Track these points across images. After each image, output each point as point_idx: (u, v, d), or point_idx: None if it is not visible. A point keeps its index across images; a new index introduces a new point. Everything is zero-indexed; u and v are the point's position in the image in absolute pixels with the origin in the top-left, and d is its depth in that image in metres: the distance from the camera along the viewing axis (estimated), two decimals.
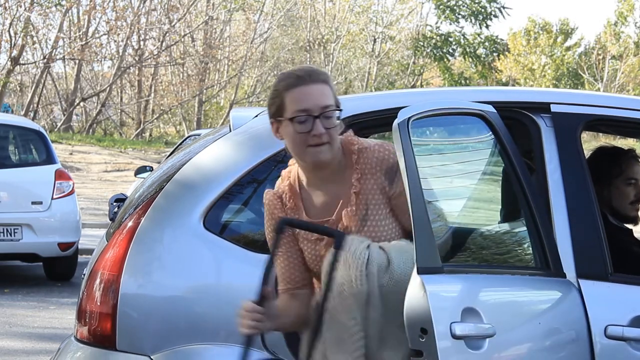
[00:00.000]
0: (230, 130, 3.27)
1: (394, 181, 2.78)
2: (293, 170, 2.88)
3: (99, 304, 3.03)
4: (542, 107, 3.27)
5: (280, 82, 2.81)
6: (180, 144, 12.65)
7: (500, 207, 3.59)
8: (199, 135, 12.20)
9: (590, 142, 18.08)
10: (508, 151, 3.03)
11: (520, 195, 3.02)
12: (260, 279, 2.63)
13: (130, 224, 3.09)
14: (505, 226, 3.51)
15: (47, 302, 8.91)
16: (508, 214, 3.53)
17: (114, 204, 4.00)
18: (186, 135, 17.34)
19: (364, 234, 2.74)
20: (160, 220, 3.06)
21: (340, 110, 2.81)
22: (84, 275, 3.24)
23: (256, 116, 3.32)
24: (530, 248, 3.05)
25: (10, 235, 9.46)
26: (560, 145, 3.21)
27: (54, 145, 10.71)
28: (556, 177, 3.17)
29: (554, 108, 3.25)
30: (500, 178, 3.53)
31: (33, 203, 9.64)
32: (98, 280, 3.06)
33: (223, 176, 3.10)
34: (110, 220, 3.80)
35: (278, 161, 3.16)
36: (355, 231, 2.74)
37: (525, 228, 3.08)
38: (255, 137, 3.22)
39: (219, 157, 3.19)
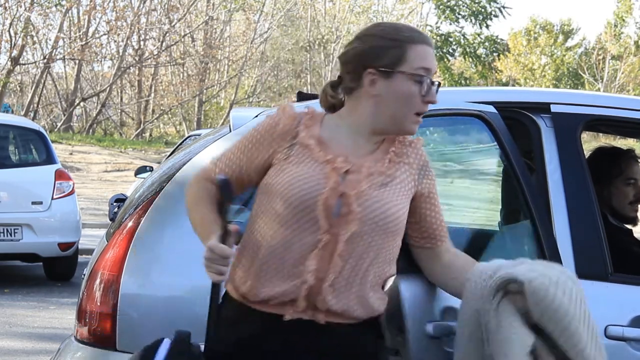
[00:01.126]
0: (231, 131, 3.26)
1: (424, 178, 2.55)
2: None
3: (99, 304, 3.01)
4: (542, 107, 3.27)
5: (401, 32, 2.48)
6: (181, 144, 12.64)
7: (500, 207, 3.59)
8: (199, 135, 12.18)
9: (590, 142, 18.09)
10: (507, 151, 3.03)
11: (520, 196, 3.02)
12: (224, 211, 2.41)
13: (130, 224, 3.08)
14: (505, 226, 3.51)
15: (47, 302, 8.90)
16: (508, 214, 3.53)
17: (114, 204, 4.00)
18: (186, 135, 17.34)
19: (378, 194, 2.43)
20: (160, 221, 3.05)
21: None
22: (84, 275, 3.23)
23: (256, 116, 3.31)
24: (530, 248, 3.05)
25: (10, 235, 9.45)
26: (560, 145, 3.20)
27: (54, 145, 10.70)
28: (556, 177, 3.16)
29: (553, 108, 3.25)
30: (500, 178, 3.53)
31: (33, 203, 9.63)
32: (98, 281, 3.04)
33: None
34: (110, 220, 3.80)
35: None
36: (367, 187, 2.43)
37: (525, 228, 3.08)
38: None
39: None
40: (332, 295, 2.38)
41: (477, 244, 3.52)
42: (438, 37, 39.89)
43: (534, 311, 2.39)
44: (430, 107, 2.56)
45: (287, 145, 2.47)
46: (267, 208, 2.44)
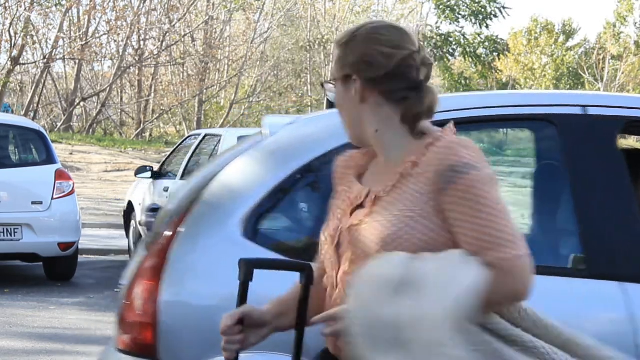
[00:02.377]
0: (265, 138, 3.23)
1: (449, 184, 2.09)
2: None
3: (139, 313, 3.02)
4: None
5: None
6: (181, 143, 12.60)
7: (531, 210, 3.53)
8: (199, 135, 12.15)
9: None
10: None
11: (562, 196, 3.00)
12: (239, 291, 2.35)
13: (167, 233, 3.09)
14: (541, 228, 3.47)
15: (47, 302, 8.88)
16: (540, 217, 3.48)
17: (149, 213, 4.07)
18: (186, 135, 17.28)
19: (369, 223, 2.18)
20: (198, 229, 3.05)
21: (350, 76, 2.24)
22: (121, 285, 3.25)
23: (290, 123, 3.28)
24: (574, 250, 3.04)
25: (10, 235, 9.44)
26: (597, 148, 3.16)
27: (54, 145, 10.70)
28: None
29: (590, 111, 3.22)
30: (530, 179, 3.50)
31: (33, 203, 9.63)
32: (137, 290, 3.05)
33: (261, 183, 3.08)
34: (147, 229, 3.85)
35: (315, 168, 3.11)
36: (362, 218, 2.21)
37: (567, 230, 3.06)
38: (292, 144, 3.18)
39: (256, 164, 3.17)
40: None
41: None
42: (438, 37, 39.87)
43: None
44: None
45: None
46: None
